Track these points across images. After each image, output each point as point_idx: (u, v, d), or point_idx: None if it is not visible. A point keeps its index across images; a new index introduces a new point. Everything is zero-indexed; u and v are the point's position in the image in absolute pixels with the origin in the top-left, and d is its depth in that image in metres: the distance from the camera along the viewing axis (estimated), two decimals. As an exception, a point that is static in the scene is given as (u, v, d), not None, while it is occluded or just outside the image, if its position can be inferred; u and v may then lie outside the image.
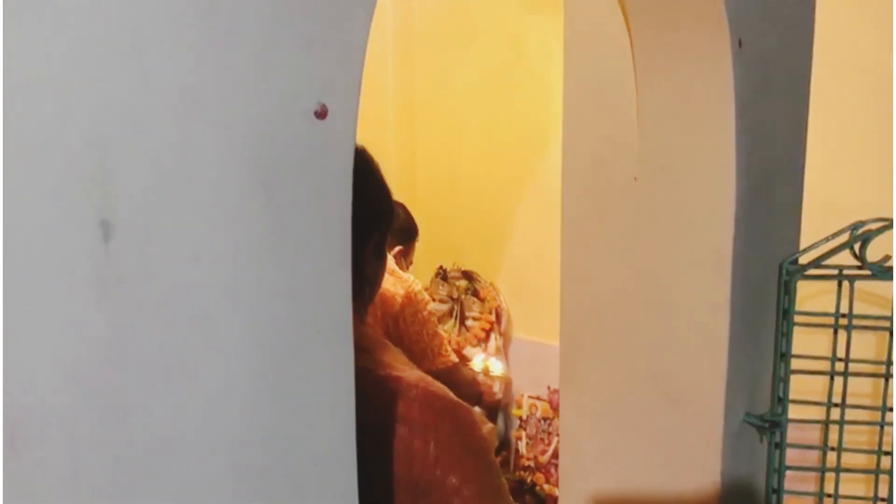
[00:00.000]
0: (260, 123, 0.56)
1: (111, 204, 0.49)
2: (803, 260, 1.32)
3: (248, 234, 0.56)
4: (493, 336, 2.76)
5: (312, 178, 0.60)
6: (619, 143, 1.30)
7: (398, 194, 2.74)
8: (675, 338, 1.28)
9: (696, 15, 1.15)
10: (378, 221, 0.96)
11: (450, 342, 2.82)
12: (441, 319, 2.85)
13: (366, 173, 0.94)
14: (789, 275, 1.29)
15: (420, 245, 3.04)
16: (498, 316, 2.78)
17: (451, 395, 0.92)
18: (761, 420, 1.28)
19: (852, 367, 1.31)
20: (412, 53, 3.03)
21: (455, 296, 2.83)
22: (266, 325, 0.59)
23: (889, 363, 1.29)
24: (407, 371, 0.92)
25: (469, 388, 2.31)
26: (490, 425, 0.81)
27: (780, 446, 1.30)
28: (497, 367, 2.71)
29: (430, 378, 0.93)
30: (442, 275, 2.85)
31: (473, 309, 2.79)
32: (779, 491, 1.33)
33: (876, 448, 1.33)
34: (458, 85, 2.94)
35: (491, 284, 2.81)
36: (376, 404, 0.87)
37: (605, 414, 1.40)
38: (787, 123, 1.33)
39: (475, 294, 2.79)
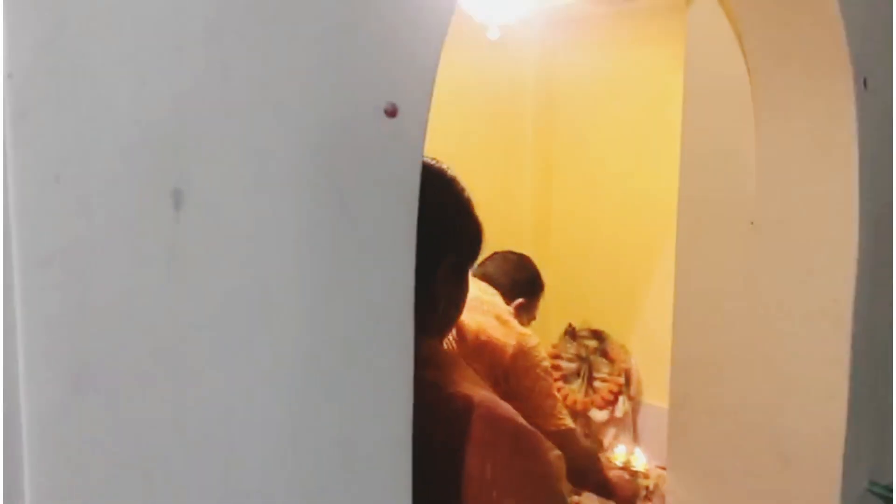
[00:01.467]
0: (330, 116, 0.61)
1: (184, 175, 0.54)
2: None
3: (312, 220, 0.60)
4: (621, 399, 2.68)
5: (379, 172, 0.64)
6: (736, 190, 1.27)
7: (532, 249, 2.77)
8: (789, 393, 1.21)
9: (817, 54, 1.11)
10: (454, 243, 0.95)
11: (575, 402, 2.76)
12: (568, 378, 2.80)
13: (444, 192, 0.95)
14: (923, 334, 1.19)
15: (550, 301, 3.02)
16: (627, 378, 2.70)
17: (519, 418, 0.89)
18: (888, 490, 1.18)
19: None
20: (552, 111, 3.08)
21: (583, 355, 2.78)
22: (325, 312, 0.62)
23: None
24: (476, 390, 0.91)
25: (585, 461, 1.90)
26: (557, 452, 0.77)
27: (910, 522, 1.18)
28: (640, 462, 2.47)
29: (497, 398, 0.92)
30: (571, 333, 2.81)
31: (602, 370, 2.72)
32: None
33: None
34: (597, 144, 2.95)
35: (622, 346, 2.75)
36: (442, 421, 0.86)
37: (715, 473, 1.33)
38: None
39: (604, 354, 2.73)
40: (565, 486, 0.93)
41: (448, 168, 0.97)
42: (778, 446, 1.23)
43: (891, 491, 1.18)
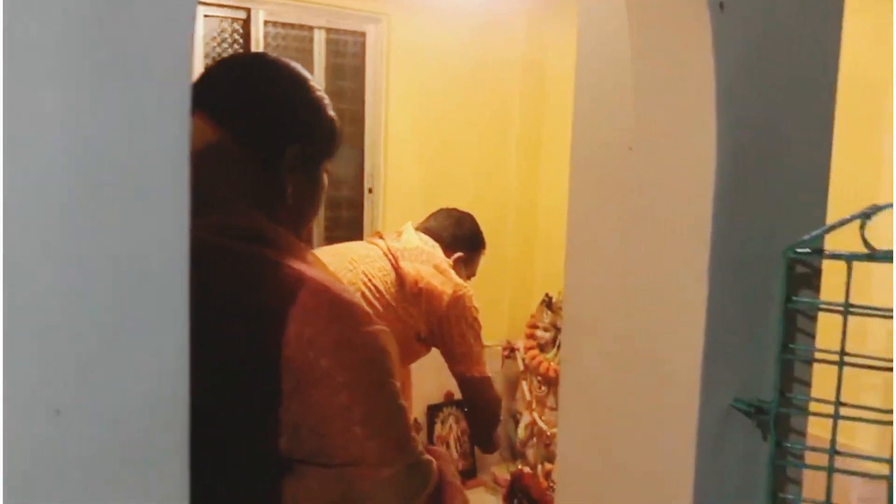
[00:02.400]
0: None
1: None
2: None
3: (79, 41, 0.67)
4: (593, 368, 2.71)
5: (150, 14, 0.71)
6: (620, 118, 1.32)
7: (518, 226, 2.81)
8: (660, 309, 1.26)
9: (675, -21, 1.17)
10: (300, 133, 1.02)
11: (548, 370, 2.81)
12: (544, 347, 2.85)
13: (290, 85, 1.04)
14: (792, 258, 1.23)
15: (535, 274, 3.08)
16: (601, 349, 2.73)
17: (346, 293, 0.95)
18: (748, 405, 1.21)
19: (861, 360, 1.20)
20: (540, 88, 3.14)
21: (559, 325, 2.82)
22: (94, 128, 0.67)
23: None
24: (315, 272, 0.96)
25: (496, 407, 2.27)
26: (383, 328, 0.81)
27: (771, 437, 1.22)
28: None
29: (333, 278, 0.98)
30: (547, 302, 2.86)
31: (576, 339, 2.76)
32: (775, 490, 1.23)
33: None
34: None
35: (597, 317, 2.78)
36: (270, 289, 0.92)
37: (601, 397, 1.38)
38: (801, 100, 1.28)
39: (578, 324, 2.77)
40: (393, 360, 0.97)
41: (298, 66, 1.06)
42: (653, 363, 1.28)
43: (750, 406, 1.21)
